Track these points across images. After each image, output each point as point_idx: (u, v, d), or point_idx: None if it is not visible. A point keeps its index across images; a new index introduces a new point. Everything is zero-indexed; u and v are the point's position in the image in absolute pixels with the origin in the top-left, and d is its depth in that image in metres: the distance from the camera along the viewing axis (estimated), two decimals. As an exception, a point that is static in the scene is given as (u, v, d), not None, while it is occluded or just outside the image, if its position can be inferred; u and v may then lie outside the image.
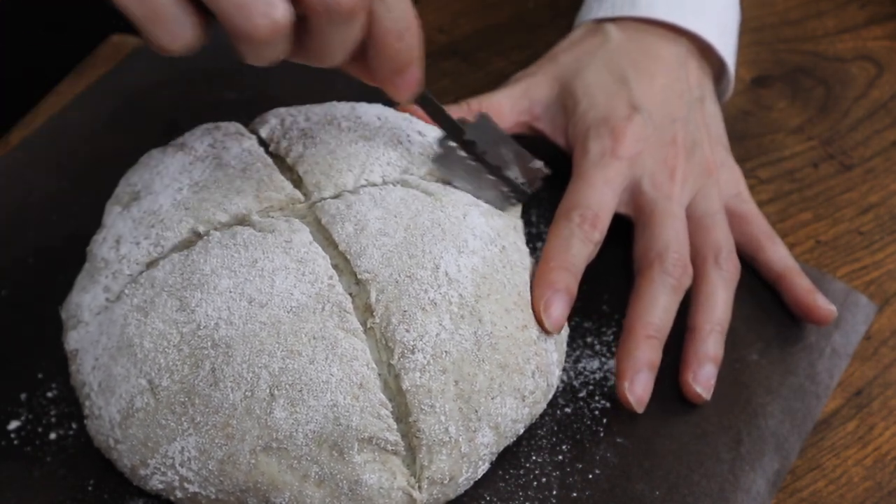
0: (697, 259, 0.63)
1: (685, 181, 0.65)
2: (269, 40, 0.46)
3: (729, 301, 0.62)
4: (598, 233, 0.61)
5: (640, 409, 0.57)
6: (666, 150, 0.65)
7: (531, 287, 0.57)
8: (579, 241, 0.59)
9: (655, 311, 0.59)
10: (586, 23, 0.72)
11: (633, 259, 0.63)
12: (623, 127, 0.64)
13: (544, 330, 0.55)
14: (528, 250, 0.59)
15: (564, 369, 0.60)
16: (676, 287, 0.60)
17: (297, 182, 0.57)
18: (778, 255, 0.65)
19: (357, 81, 0.77)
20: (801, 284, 0.64)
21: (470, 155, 0.58)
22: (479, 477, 0.55)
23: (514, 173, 0.59)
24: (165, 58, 0.81)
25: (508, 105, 0.68)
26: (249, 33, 0.46)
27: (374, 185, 0.56)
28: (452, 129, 0.58)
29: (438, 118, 0.57)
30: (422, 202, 0.55)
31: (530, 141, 0.70)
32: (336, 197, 0.56)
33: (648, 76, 0.67)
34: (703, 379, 0.59)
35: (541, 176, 0.61)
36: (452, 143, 0.58)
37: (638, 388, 0.57)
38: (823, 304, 0.63)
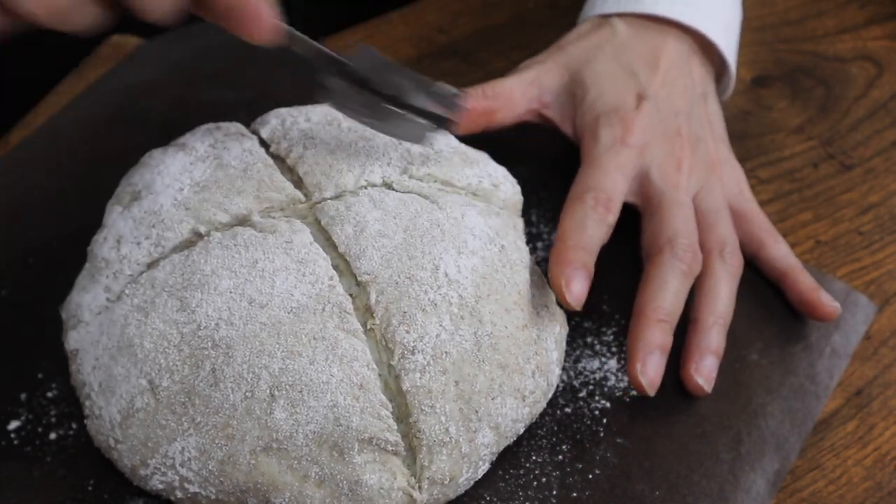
0: (702, 253, 0.63)
1: (691, 173, 0.65)
2: (50, 16, 0.45)
3: (732, 295, 0.62)
4: (612, 216, 0.61)
5: (651, 391, 0.57)
6: (672, 142, 0.65)
7: (548, 268, 0.57)
8: (594, 223, 0.60)
9: (666, 295, 0.59)
10: (592, 17, 0.72)
11: (641, 247, 0.64)
12: (632, 116, 0.65)
13: (567, 307, 0.56)
14: (527, 249, 0.59)
15: (564, 369, 0.60)
16: (687, 272, 0.61)
17: (298, 183, 0.57)
18: (780, 252, 0.65)
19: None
20: (804, 282, 0.64)
21: (356, 86, 0.56)
22: (480, 477, 0.55)
23: (417, 100, 0.57)
24: (165, 58, 0.81)
25: (520, 91, 0.68)
26: (22, 12, 0.45)
27: (375, 185, 0.56)
28: (331, 61, 0.55)
29: (315, 55, 0.54)
30: (420, 203, 0.55)
31: (533, 139, 0.70)
32: (336, 198, 0.56)
33: (654, 70, 0.68)
34: (704, 371, 0.59)
35: (453, 98, 0.57)
36: (335, 78, 0.55)
37: (650, 371, 0.57)
38: (827, 302, 0.63)
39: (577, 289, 0.56)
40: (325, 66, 0.55)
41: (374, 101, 0.56)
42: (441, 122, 0.57)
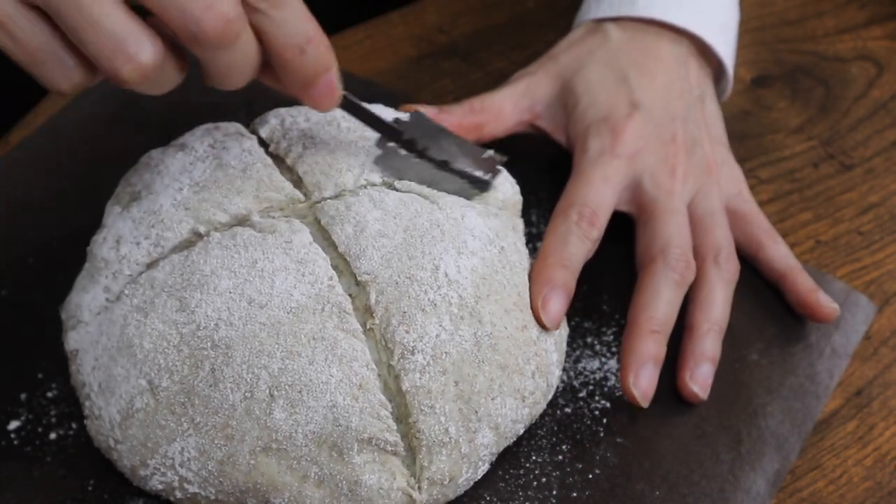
0: (697, 258, 0.63)
1: (686, 179, 0.65)
2: (141, 81, 0.46)
3: (727, 301, 0.62)
4: (596, 230, 0.61)
5: (644, 403, 0.57)
6: (666, 148, 0.65)
7: (529, 285, 0.57)
8: (577, 239, 0.59)
9: (659, 305, 0.59)
10: (586, 22, 0.72)
11: (635, 256, 0.63)
12: (623, 125, 0.64)
13: (542, 326, 0.55)
14: (527, 251, 0.59)
15: (564, 369, 0.60)
16: (680, 282, 0.60)
17: (297, 182, 0.57)
18: (780, 253, 0.65)
19: (358, 82, 0.77)
20: (803, 283, 0.64)
21: (412, 153, 0.58)
22: (479, 477, 0.55)
23: (463, 164, 0.58)
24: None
25: (510, 104, 0.68)
26: (119, 78, 0.45)
27: (374, 185, 0.56)
28: (387, 130, 0.57)
29: (370, 121, 0.56)
30: (420, 204, 0.55)
31: (532, 139, 0.70)
32: (336, 197, 0.56)
33: (649, 75, 0.68)
34: (700, 378, 0.59)
35: (497, 163, 0.59)
36: (391, 144, 0.57)
37: (643, 382, 0.57)
38: (826, 303, 0.63)
39: (553, 309, 0.56)
40: (379, 132, 0.57)
41: (426, 166, 0.58)
42: (483, 185, 0.59)
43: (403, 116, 0.59)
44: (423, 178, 0.57)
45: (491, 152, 0.59)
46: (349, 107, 0.55)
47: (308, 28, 0.49)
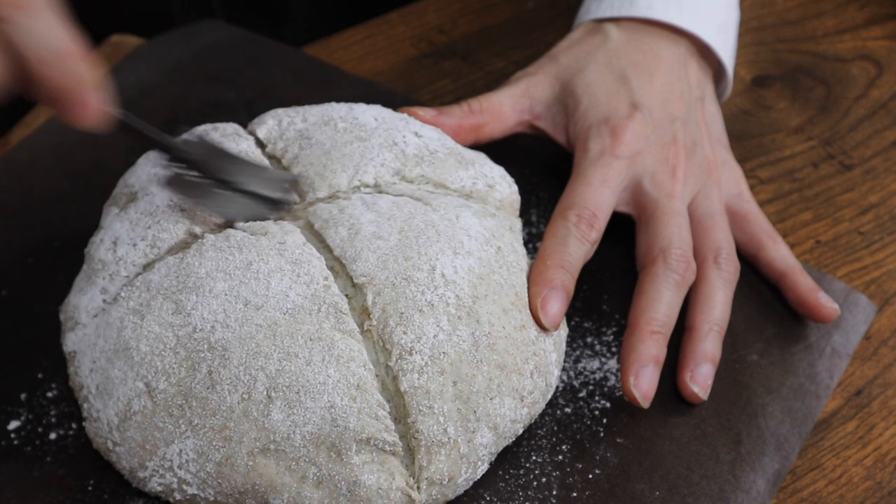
0: (697, 259, 0.63)
1: (686, 180, 0.65)
2: None
3: (728, 301, 0.62)
4: (595, 232, 0.61)
5: (645, 404, 0.57)
6: (667, 148, 0.65)
7: (528, 286, 0.57)
8: (576, 240, 0.59)
9: (660, 306, 0.59)
10: (585, 23, 0.72)
11: (636, 257, 0.63)
12: (623, 126, 0.64)
13: (541, 328, 0.55)
14: (524, 251, 0.59)
15: (564, 369, 0.60)
16: (680, 283, 0.60)
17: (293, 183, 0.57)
18: (780, 253, 0.65)
19: (358, 82, 0.77)
20: (803, 283, 0.64)
21: (201, 175, 0.55)
22: (479, 477, 0.55)
23: (255, 186, 0.56)
24: (165, 58, 0.81)
25: (510, 104, 0.68)
26: None
27: (367, 185, 0.56)
28: (174, 151, 0.55)
29: (152, 143, 0.54)
30: (413, 205, 0.55)
31: (532, 139, 0.70)
32: (328, 200, 0.55)
33: (648, 76, 0.67)
34: (700, 379, 0.59)
35: (288, 182, 0.57)
36: (180, 165, 0.55)
37: (643, 383, 0.57)
38: (826, 303, 0.63)
39: (552, 310, 0.56)
40: (165, 153, 0.55)
41: (216, 187, 0.55)
42: (276, 206, 0.56)
43: (191, 138, 0.58)
44: (213, 200, 0.55)
45: (282, 174, 0.57)
46: (125, 128, 0.52)
47: (60, 40, 0.46)
